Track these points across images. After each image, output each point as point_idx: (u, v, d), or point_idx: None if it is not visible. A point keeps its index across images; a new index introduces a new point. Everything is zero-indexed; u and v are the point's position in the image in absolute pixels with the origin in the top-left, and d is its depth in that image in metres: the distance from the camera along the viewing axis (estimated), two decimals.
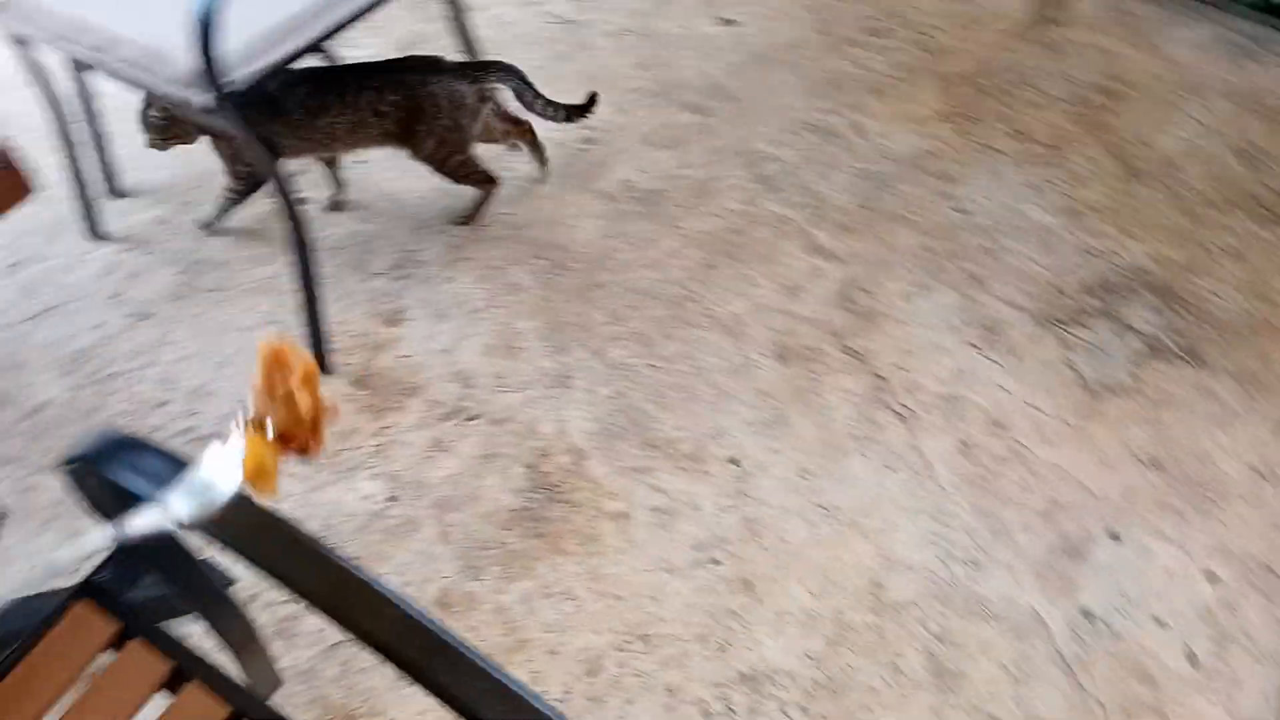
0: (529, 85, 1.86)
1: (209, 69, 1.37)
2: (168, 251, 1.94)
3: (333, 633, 1.43)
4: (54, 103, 1.83)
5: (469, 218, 1.98)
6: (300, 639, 1.42)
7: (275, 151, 1.75)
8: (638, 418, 1.65)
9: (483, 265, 1.89)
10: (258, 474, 0.53)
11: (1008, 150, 2.14)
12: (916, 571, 1.49)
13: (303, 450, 0.58)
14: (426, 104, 1.75)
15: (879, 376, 1.71)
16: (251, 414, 0.56)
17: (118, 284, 1.88)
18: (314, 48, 1.54)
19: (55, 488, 1.59)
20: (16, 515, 1.56)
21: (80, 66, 1.82)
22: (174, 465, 0.74)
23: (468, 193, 1.94)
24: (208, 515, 0.53)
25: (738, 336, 1.76)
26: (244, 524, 0.72)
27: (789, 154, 2.08)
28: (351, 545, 1.51)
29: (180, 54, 1.40)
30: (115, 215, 1.98)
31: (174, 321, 1.82)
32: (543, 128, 2.11)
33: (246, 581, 1.49)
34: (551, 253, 1.91)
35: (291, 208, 1.58)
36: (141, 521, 0.52)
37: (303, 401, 0.56)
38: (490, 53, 2.02)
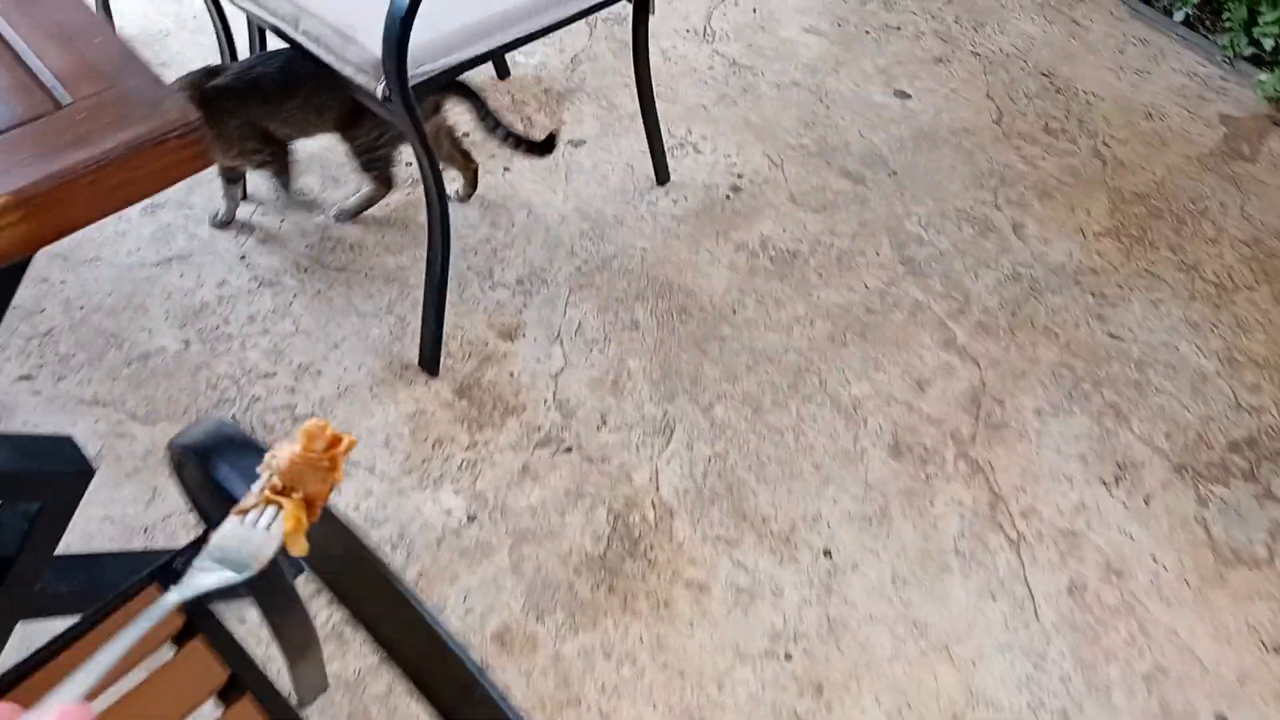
0: (489, 113, 1.86)
1: (397, 61, 1.37)
2: (304, 222, 1.96)
3: None
4: (227, 57, 1.88)
5: (353, 213, 2.00)
6: (354, 646, 1.39)
7: (267, 136, 1.79)
8: (734, 485, 1.59)
9: (606, 296, 1.86)
10: (295, 534, 0.55)
11: (1172, 281, 2.01)
12: (1002, 713, 1.39)
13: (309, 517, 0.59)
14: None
15: (996, 494, 1.61)
16: (279, 481, 0.56)
17: (248, 246, 1.91)
18: (490, 56, 1.54)
19: (146, 439, 1.61)
20: (104, 460, 1.58)
21: (263, 28, 1.86)
22: None
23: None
24: (254, 570, 0.53)
25: (853, 420, 1.68)
26: (331, 550, 0.69)
27: (940, 240, 1.99)
28: (423, 558, 1.48)
29: (367, 38, 1.41)
30: (255, 178, 2.02)
31: (295, 294, 1.83)
32: (698, 169, 2.07)
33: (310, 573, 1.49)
34: (676, 296, 1.86)
35: (439, 201, 1.57)
36: (205, 580, 0.53)
37: (333, 479, 0.58)
38: (657, 85, 1.99)
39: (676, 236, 1.97)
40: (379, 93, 1.40)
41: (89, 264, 1.88)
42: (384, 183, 1.94)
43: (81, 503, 1.52)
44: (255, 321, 1.79)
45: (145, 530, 1.51)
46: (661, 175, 2.07)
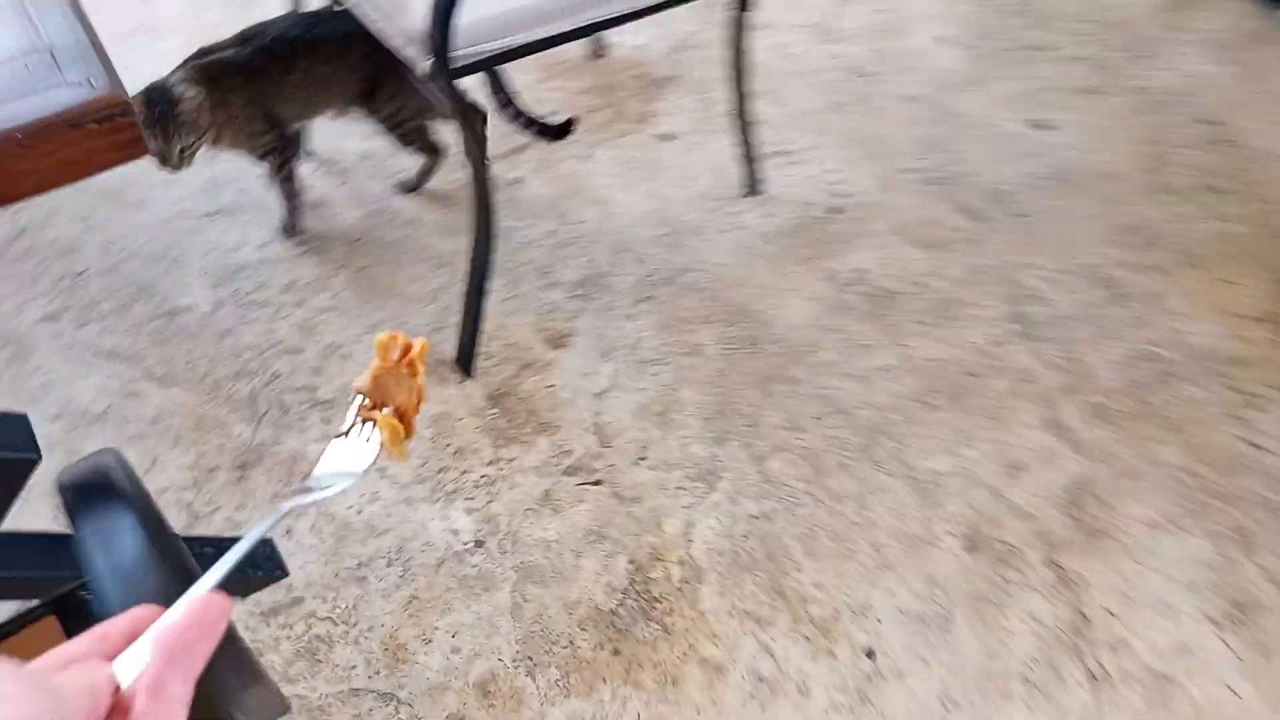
0: (501, 87, 1.67)
1: (442, 36, 1.21)
2: (362, 190, 1.84)
3: (362, 673, 1.26)
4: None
5: (414, 186, 1.87)
6: (325, 669, 1.26)
7: (274, 119, 1.63)
8: (776, 554, 1.39)
9: (670, 313, 1.68)
10: (393, 443, 0.57)
11: None
12: None
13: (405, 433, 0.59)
14: (396, 65, 1.56)
15: (1082, 614, 1.38)
16: (367, 400, 0.58)
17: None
18: (551, 44, 1.37)
19: (156, 402, 1.51)
20: (110, 421, 1.49)
21: None
22: (141, 546, 0.57)
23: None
24: (359, 476, 0.56)
25: (928, 500, 1.47)
26: None
27: (1062, 300, 1.74)
28: (419, 581, 1.34)
29: (420, 8, 1.25)
30: (324, 136, 1.90)
31: (340, 266, 1.71)
32: (796, 183, 1.87)
33: (296, 580, 1.36)
34: (748, 324, 1.67)
35: (482, 188, 1.41)
36: (314, 496, 0.55)
37: (418, 385, 0.59)
38: (764, 84, 1.80)
39: (759, 256, 1.78)
40: (422, 69, 1.25)
41: (135, 206, 1.79)
42: (430, 151, 1.80)
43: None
44: (292, 290, 1.67)
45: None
46: (752, 185, 1.87)
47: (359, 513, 1.41)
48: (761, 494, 1.46)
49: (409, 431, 0.57)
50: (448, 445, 1.48)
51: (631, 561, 1.38)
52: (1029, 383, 1.61)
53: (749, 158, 1.85)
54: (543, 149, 1.94)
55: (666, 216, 1.83)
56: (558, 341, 1.63)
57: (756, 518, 1.43)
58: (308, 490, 0.54)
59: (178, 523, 1.38)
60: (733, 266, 1.76)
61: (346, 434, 0.56)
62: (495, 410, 1.53)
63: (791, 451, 1.51)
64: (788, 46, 2.23)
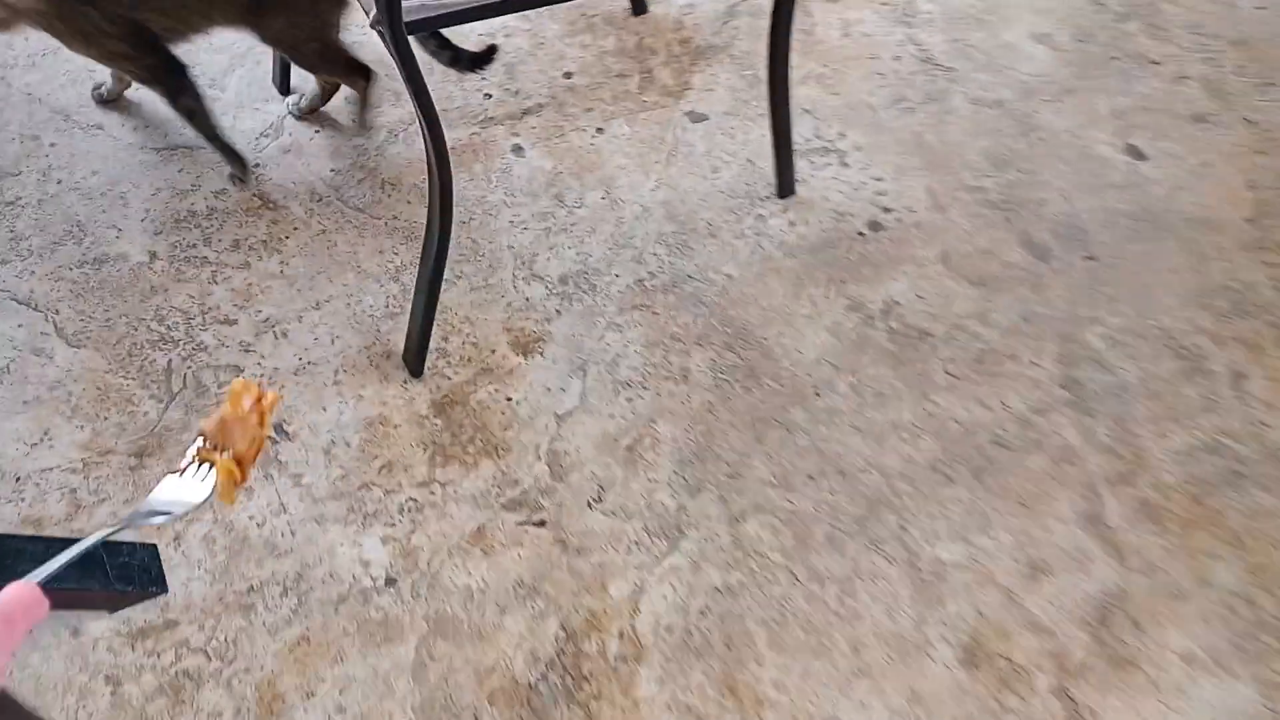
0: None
1: None
2: (342, 141, 1.63)
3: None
4: None
5: (359, 121, 1.66)
6: (186, 712, 1.08)
7: (143, 32, 1.39)
8: (736, 640, 1.18)
9: (661, 327, 1.45)
10: (226, 486, 0.58)
11: None
12: None
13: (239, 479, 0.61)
14: None
15: None
16: (210, 442, 0.60)
17: (268, 153, 1.59)
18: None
19: (62, 364, 1.33)
20: (6, 380, 1.32)
21: None
22: None
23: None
24: (188, 511, 0.58)
25: (927, 594, 1.24)
26: None
27: (1126, 369, 1.48)
28: (313, 619, 1.15)
29: None
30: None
31: (296, 227, 1.51)
32: (835, 188, 1.63)
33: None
34: (749, 351, 1.44)
35: (439, 163, 1.19)
36: (144, 520, 0.58)
37: (261, 436, 0.60)
38: (819, 64, 1.54)
39: (776, 271, 1.54)
40: (371, 17, 1.03)
41: (89, 131, 1.61)
42: (353, 72, 1.58)
43: None
44: (239, 250, 1.48)
45: (17, 480, 1.24)
46: (785, 185, 1.63)
47: (260, 525, 1.23)
48: (730, 562, 1.24)
49: (244, 478, 0.60)
50: (376, 458, 1.29)
51: (564, 627, 1.18)
52: (1070, 464, 1.37)
53: (784, 151, 1.60)
54: (550, 115, 1.71)
55: (679, 211, 1.59)
56: (527, 346, 1.42)
57: (720, 591, 1.22)
58: (136, 517, 0.57)
59: (57, 511, 1.21)
60: (743, 280, 1.52)
61: (182, 471, 0.58)
62: (439, 421, 1.33)
63: (774, 514, 1.29)
64: (856, 24, 1.95)
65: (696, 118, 1.74)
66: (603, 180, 1.62)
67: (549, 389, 1.37)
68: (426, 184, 1.57)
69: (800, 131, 1.67)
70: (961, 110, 1.81)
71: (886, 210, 1.63)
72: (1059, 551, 1.28)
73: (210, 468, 0.58)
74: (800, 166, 1.65)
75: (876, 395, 1.41)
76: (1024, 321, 1.51)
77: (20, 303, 1.39)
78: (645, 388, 1.39)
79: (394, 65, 1.11)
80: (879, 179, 1.67)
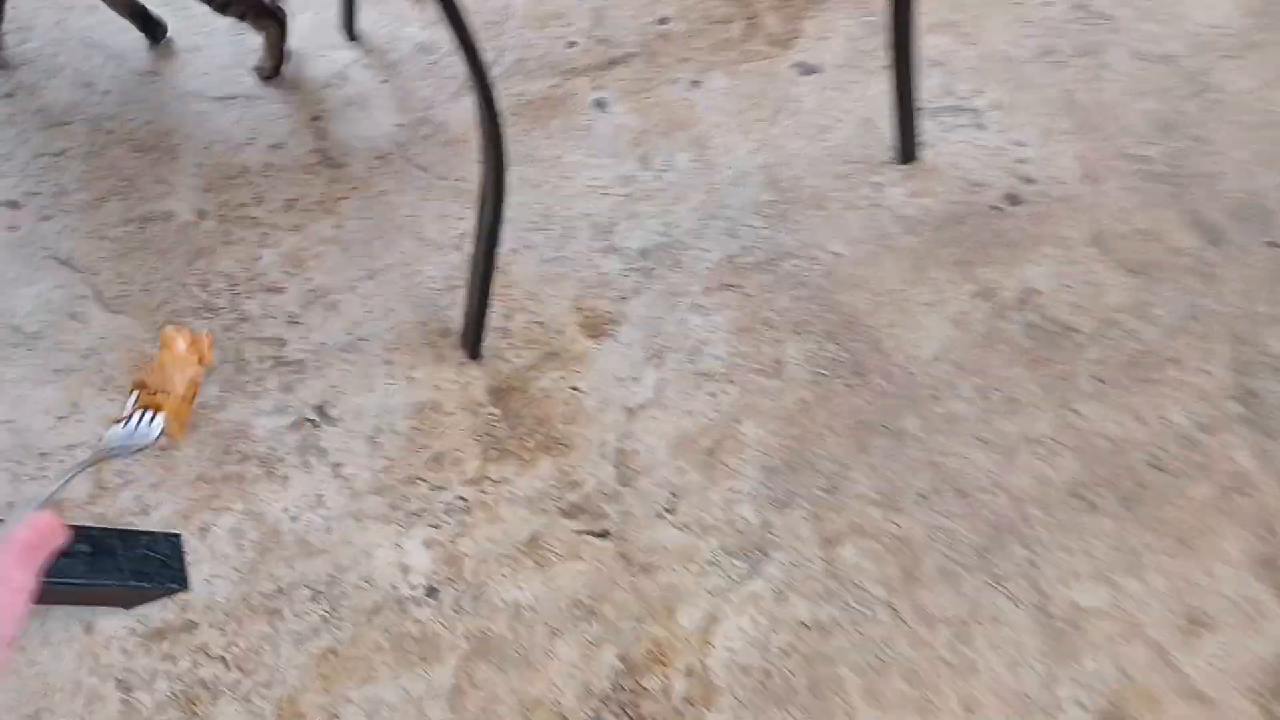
0: None
1: None
2: (408, 92, 1.50)
3: None
4: None
5: (264, 68, 1.51)
6: None
7: None
8: (823, 687, 1.02)
9: (753, 311, 1.28)
10: (174, 421, 0.62)
11: None
12: None
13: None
14: None
15: None
16: (149, 389, 0.63)
17: (331, 104, 1.47)
18: None
19: (98, 330, 1.24)
20: (39, 346, 1.23)
21: None
22: None
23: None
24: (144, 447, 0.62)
25: (1059, 646, 1.04)
26: None
27: None
28: (344, 630, 1.04)
29: None
30: (377, 19, 1.57)
31: (354, 186, 1.38)
32: (968, 154, 1.43)
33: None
34: (855, 343, 1.26)
35: (489, 112, 1.03)
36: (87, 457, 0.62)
37: (197, 374, 0.64)
38: (954, 9, 1.33)
39: (894, 249, 1.34)
40: None
41: (144, 78, 1.52)
42: (260, 20, 1.45)
43: None
44: (293, 210, 1.36)
45: (41, 456, 1.15)
46: (907, 149, 1.42)
47: (294, 519, 1.11)
48: (821, 593, 1.07)
49: (186, 415, 0.63)
50: (424, 449, 1.16)
51: (623, 658, 1.03)
52: (1242, 494, 1.14)
53: (907, 110, 1.39)
54: (640, 66, 1.54)
55: (781, 177, 1.41)
56: (597, 328, 1.26)
57: (807, 627, 1.05)
58: (88, 461, 0.60)
59: (80, 493, 1.12)
60: (853, 259, 1.33)
61: (125, 421, 0.61)
62: (496, 410, 1.20)
63: (877, 538, 1.11)
64: None
65: (807, 70, 1.54)
66: (695, 140, 1.45)
67: (620, 378, 1.22)
68: None
69: (928, 87, 1.46)
70: (1121, 65, 1.56)
71: (1028, 181, 1.41)
72: (1224, 602, 1.07)
73: (156, 413, 0.62)
74: (926, 128, 1.44)
75: (1007, 401, 1.20)
76: (1191, 319, 1.27)
77: (61, 262, 1.31)
78: (731, 381, 1.22)
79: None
80: (1020, 144, 1.45)
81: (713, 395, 1.21)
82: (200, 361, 0.65)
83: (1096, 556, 1.10)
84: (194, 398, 0.66)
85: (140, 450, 0.63)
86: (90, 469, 1.13)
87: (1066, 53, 1.57)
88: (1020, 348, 1.25)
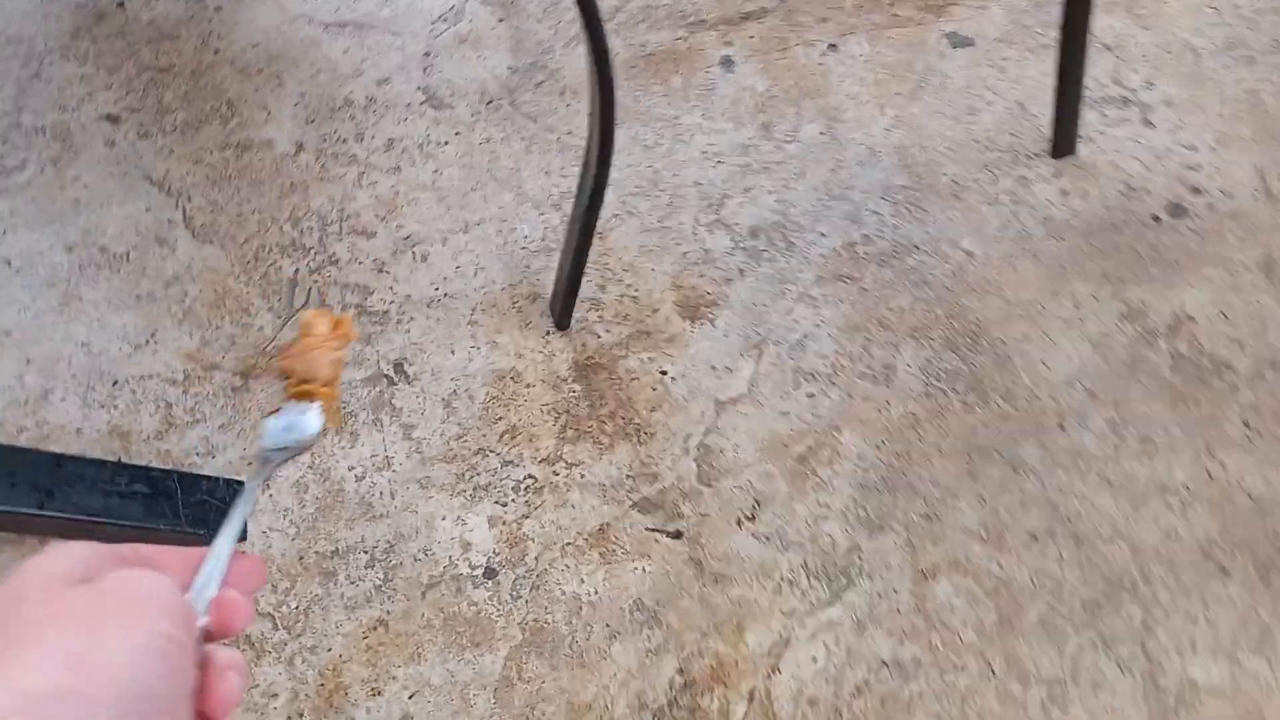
0: None
1: None
2: (524, 32, 1.43)
3: (281, 710, 0.97)
4: None
5: None
6: None
7: None
8: None
9: (867, 307, 1.19)
10: (330, 413, 0.58)
11: None
12: None
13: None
14: None
15: None
16: (294, 378, 0.59)
17: (442, 40, 1.41)
18: None
19: (184, 258, 1.23)
20: (123, 269, 1.23)
21: None
22: None
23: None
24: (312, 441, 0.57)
25: None
26: None
27: None
28: (395, 603, 1.01)
29: None
30: None
31: (458, 131, 1.33)
32: (1131, 154, 1.31)
33: None
34: (980, 357, 1.16)
35: (599, 67, 0.97)
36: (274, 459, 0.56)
37: (342, 357, 0.60)
38: None
39: (1034, 254, 1.23)
40: None
41: (269, 1, 1.49)
42: None
43: (65, 317, 1.20)
44: (392, 150, 1.32)
45: (114, 384, 1.15)
46: (1064, 141, 1.29)
47: (360, 479, 1.09)
48: (907, 630, 1.00)
49: (335, 392, 0.60)
50: (499, 420, 1.12)
51: (682, 671, 0.98)
52: None
53: (1069, 96, 1.27)
54: (775, 22, 1.44)
55: (916, 160, 1.30)
56: (695, 309, 1.19)
57: (887, 666, 0.98)
58: (266, 460, 0.56)
59: (148, 426, 1.12)
60: (987, 260, 1.22)
61: (278, 413, 0.59)
62: (578, 387, 1.14)
63: (976, 578, 1.02)
64: None
65: (959, 41, 1.42)
66: (825, 110, 1.35)
67: (714, 367, 1.15)
68: (619, 95, 1.36)
69: (1095, 73, 1.33)
70: None
71: (1196, 191, 1.27)
72: None
73: (311, 402, 0.58)
74: (1088, 119, 1.31)
75: (1142, 441, 1.10)
76: None
77: (153, 183, 1.30)
78: (834, 383, 1.14)
79: None
80: (1191, 147, 1.31)
81: (812, 397, 1.13)
82: (346, 340, 0.61)
83: (1220, 628, 1.00)
84: (338, 380, 0.62)
85: (305, 450, 0.59)
86: (161, 402, 1.13)
87: (1256, 47, 1.41)
88: (1164, 381, 1.13)
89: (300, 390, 0.59)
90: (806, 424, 1.11)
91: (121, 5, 1.47)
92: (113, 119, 1.36)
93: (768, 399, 1.13)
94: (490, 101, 1.37)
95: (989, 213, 1.27)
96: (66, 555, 0.37)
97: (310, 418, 0.57)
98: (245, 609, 0.41)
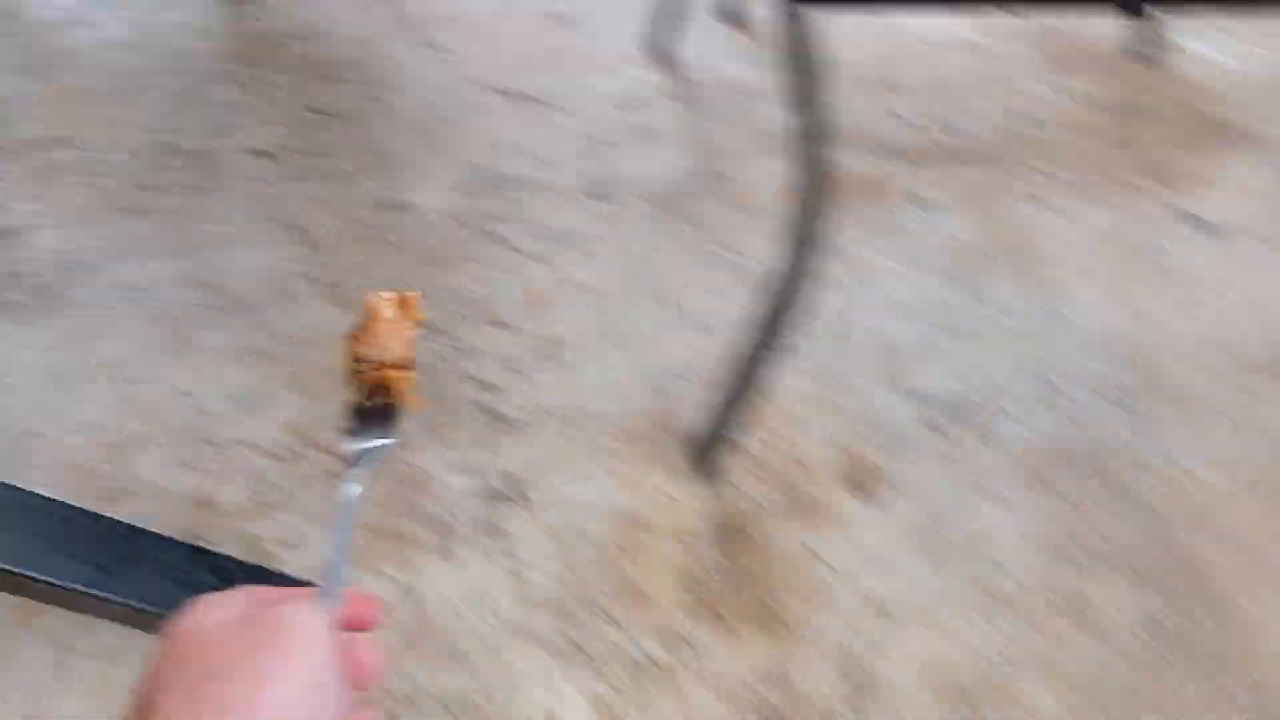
0: None
1: None
2: (706, 135, 1.30)
3: None
4: None
5: None
6: None
7: None
8: None
9: (1067, 524, 0.99)
10: (406, 400, 0.53)
11: None
12: None
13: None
14: None
15: None
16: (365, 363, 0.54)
17: (620, 129, 1.30)
18: None
19: (308, 317, 1.12)
20: (246, 315, 1.12)
21: None
22: None
23: None
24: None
25: None
26: None
27: None
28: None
29: None
30: (695, 44, 1.39)
31: (624, 231, 1.20)
32: None
33: None
34: (1207, 619, 0.96)
35: (814, 161, 0.82)
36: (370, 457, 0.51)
37: (413, 336, 0.55)
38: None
39: (1272, 489, 1.04)
40: None
41: (433, 50, 1.40)
42: None
43: (172, 359, 1.09)
44: (546, 239, 1.20)
45: (209, 444, 1.03)
46: None
47: (455, 614, 0.94)
48: None
49: (410, 375, 0.55)
50: (619, 571, 0.96)
51: None
52: None
53: None
54: (984, 166, 1.29)
55: (1140, 351, 1.12)
56: (865, 486, 1.03)
57: None
58: (355, 470, 0.51)
59: (233, 499, 0.99)
60: (1213, 488, 1.03)
61: (363, 403, 0.54)
62: (714, 552, 0.98)
63: None
64: None
65: (1201, 226, 1.24)
66: (1042, 278, 1.18)
67: (879, 560, 0.98)
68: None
69: None
70: None
71: None
72: None
73: (387, 405, 0.53)
74: None
75: None
76: None
77: (292, 232, 1.20)
78: (1019, 611, 0.96)
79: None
80: None
81: (991, 622, 0.95)
82: (415, 322, 0.56)
83: None
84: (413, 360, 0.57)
85: (385, 457, 0.53)
86: (254, 475, 1.01)
87: None
88: None
89: (375, 376, 0.55)
90: (983, 658, 0.93)
91: (304, 38, 1.40)
92: (261, 154, 1.27)
93: (941, 615, 0.95)
94: (659, 202, 1.25)
95: (1219, 427, 1.08)
96: (233, 603, 0.40)
97: (389, 427, 0.53)
98: (373, 600, 0.44)
